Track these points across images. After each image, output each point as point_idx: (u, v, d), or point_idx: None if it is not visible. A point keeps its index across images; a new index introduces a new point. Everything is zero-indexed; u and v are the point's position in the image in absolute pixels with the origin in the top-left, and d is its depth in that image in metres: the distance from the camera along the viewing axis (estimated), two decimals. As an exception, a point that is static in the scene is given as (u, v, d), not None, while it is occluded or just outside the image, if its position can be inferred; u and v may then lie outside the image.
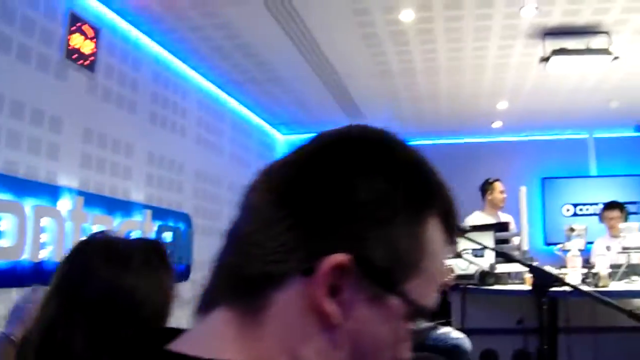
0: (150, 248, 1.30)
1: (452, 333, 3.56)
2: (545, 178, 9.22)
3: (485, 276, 4.42)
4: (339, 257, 0.60)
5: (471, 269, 4.38)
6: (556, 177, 9.15)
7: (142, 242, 1.34)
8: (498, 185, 6.02)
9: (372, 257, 0.62)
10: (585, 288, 2.88)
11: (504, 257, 2.23)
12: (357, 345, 0.64)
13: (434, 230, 0.68)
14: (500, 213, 6.06)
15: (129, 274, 1.21)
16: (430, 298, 0.67)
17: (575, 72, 5.93)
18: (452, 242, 0.72)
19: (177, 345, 0.63)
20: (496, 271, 4.49)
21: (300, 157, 0.68)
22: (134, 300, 1.19)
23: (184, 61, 6.03)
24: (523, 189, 5.33)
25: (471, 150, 9.16)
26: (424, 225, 0.67)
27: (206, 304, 0.66)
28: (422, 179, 0.69)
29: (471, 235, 4.66)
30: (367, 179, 0.64)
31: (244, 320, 0.63)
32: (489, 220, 5.85)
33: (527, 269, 2.48)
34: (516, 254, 4.96)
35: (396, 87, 6.72)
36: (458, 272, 4.46)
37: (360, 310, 0.63)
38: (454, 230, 0.71)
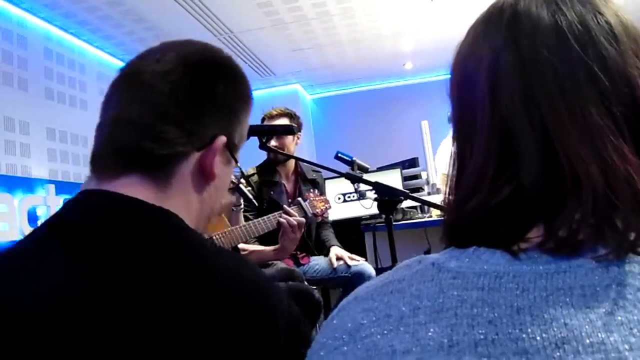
0: None
1: (348, 261, 3.60)
2: (466, 113, 9.38)
3: (392, 213, 4.37)
4: (223, 138, 0.96)
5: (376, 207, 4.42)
6: (475, 112, 9.20)
7: None
8: None
9: (233, 137, 1.00)
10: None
11: (349, 178, 2.31)
12: (217, 191, 1.01)
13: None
14: None
15: None
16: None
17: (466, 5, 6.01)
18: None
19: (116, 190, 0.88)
20: (402, 206, 4.50)
21: (182, 72, 0.92)
22: None
23: (77, 36, 5.97)
24: (425, 123, 5.40)
25: (388, 94, 9.28)
26: (249, 113, 1.06)
27: (108, 170, 0.90)
28: (246, 82, 1.05)
29: (377, 174, 4.76)
30: (226, 87, 0.97)
31: (157, 185, 0.90)
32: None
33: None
34: (426, 188, 5.05)
35: (294, 37, 6.74)
36: (364, 212, 4.49)
37: (222, 169, 0.99)
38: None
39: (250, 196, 2.96)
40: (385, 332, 0.55)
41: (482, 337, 0.50)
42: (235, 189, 3.01)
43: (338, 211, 4.79)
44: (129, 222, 0.83)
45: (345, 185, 4.53)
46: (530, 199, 0.56)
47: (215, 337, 0.74)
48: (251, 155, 3.36)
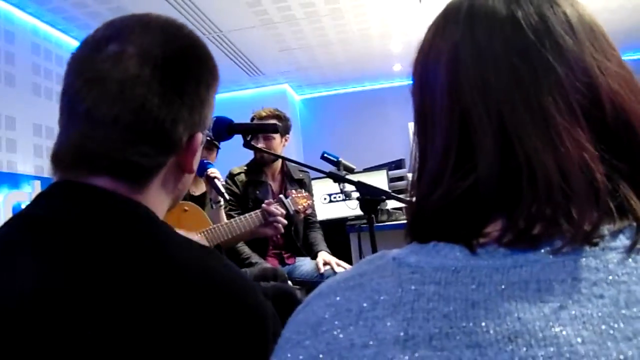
0: None
1: (335, 267, 3.58)
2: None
3: (378, 214, 4.35)
4: (199, 136, 0.96)
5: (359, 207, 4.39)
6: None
7: None
8: None
9: (205, 125, 0.98)
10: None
11: (333, 177, 2.33)
12: (190, 177, 1.02)
13: None
14: None
15: None
16: None
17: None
18: None
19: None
20: (387, 207, 4.49)
21: (151, 76, 0.88)
22: None
23: (65, 32, 5.94)
24: (412, 125, 5.37)
25: (376, 95, 9.30)
26: (216, 90, 1.01)
27: (81, 168, 0.87)
28: (213, 65, 1.00)
29: (363, 175, 4.75)
30: (197, 82, 0.94)
31: (132, 187, 0.88)
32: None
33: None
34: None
35: (283, 36, 6.73)
36: (350, 213, 4.46)
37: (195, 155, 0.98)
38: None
39: (223, 189, 2.93)
40: (345, 326, 0.55)
41: (436, 330, 0.50)
42: (209, 183, 3.00)
43: (324, 211, 4.81)
44: (98, 215, 0.83)
45: (332, 186, 4.50)
46: (487, 192, 0.56)
47: (180, 329, 0.74)
48: (238, 154, 3.36)
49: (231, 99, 8.38)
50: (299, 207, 3.15)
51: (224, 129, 2.25)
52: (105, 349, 0.70)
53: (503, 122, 0.57)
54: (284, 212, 2.97)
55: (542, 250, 0.53)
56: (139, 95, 0.86)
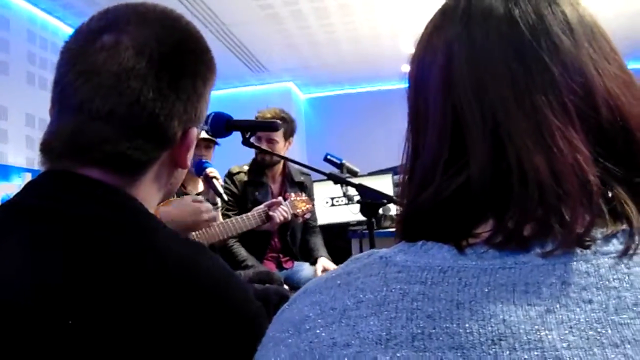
0: None
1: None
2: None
3: (381, 219, 4.45)
4: (194, 131, 0.94)
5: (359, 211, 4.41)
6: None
7: None
8: None
9: (200, 119, 0.97)
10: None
11: (333, 179, 2.28)
12: (183, 171, 1.01)
13: None
14: None
15: None
16: None
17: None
18: None
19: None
20: (390, 213, 4.47)
21: (147, 70, 0.86)
22: None
23: (62, 20, 5.83)
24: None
25: (384, 96, 9.11)
26: (213, 83, 0.99)
27: (72, 159, 0.85)
28: (209, 56, 0.98)
29: (368, 178, 4.68)
30: (193, 77, 0.92)
31: (124, 180, 0.87)
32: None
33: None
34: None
35: (289, 32, 6.61)
36: (352, 217, 4.40)
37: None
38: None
39: (221, 190, 2.90)
40: (328, 324, 0.55)
41: (419, 331, 0.50)
42: (207, 184, 2.98)
43: (326, 215, 4.82)
44: (88, 205, 0.83)
45: (334, 189, 4.44)
46: (478, 192, 0.56)
47: (163, 323, 0.74)
48: (237, 153, 3.24)
49: (233, 95, 8.28)
50: (298, 210, 3.23)
51: (222, 125, 2.15)
52: (91, 341, 0.71)
53: (496, 121, 0.56)
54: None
55: (533, 252, 0.53)
56: (134, 88, 0.85)
